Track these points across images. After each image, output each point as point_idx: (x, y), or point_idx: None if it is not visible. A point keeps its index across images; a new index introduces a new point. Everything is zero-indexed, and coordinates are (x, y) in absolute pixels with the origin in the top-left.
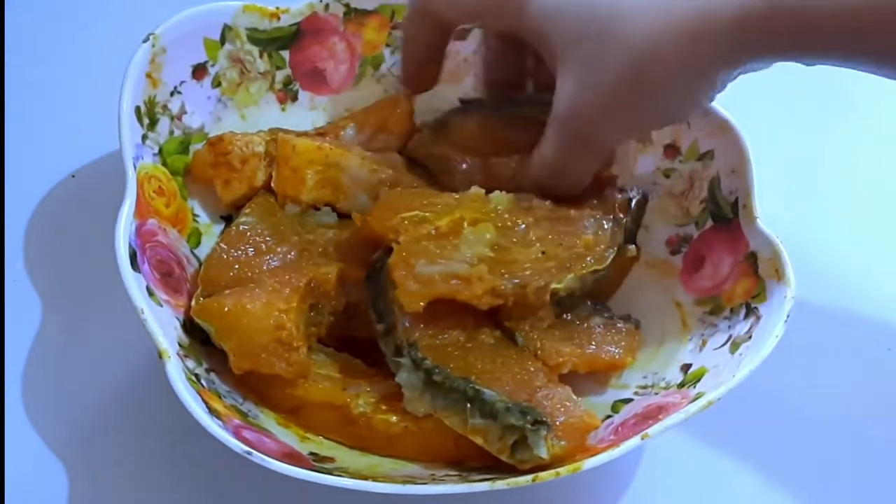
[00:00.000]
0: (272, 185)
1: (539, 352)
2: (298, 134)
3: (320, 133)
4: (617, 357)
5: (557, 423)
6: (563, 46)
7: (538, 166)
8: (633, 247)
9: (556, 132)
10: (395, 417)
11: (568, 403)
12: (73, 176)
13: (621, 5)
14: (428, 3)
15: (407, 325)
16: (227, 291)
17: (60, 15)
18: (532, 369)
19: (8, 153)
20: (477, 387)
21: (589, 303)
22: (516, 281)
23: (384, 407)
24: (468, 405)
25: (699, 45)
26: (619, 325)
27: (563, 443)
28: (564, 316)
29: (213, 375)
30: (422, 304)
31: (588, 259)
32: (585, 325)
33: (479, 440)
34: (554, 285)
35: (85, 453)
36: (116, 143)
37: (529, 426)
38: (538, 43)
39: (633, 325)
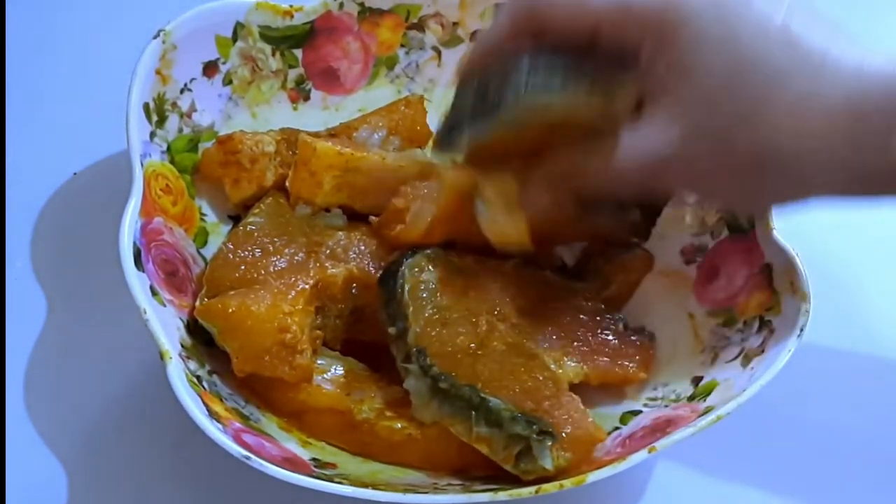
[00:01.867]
0: (287, 184)
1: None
2: (311, 134)
3: (332, 134)
4: (630, 371)
5: (564, 434)
6: (699, 88)
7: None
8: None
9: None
10: (399, 424)
11: (575, 414)
12: (75, 174)
13: (776, 86)
14: (537, 10)
15: (418, 318)
16: (232, 292)
17: (68, 9)
18: (541, 378)
19: (10, 151)
20: (482, 394)
21: (602, 306)
22: None
23: (388, 413)
24: (473, 413)
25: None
26: (633, 337)
27: (568, 455)
28: (581, 318)
29: (215, 377)
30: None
31: None
32: (599, 336)
33: (484, 449)
34: None
35: (86, 454)
36: (122, 141)
37: (535, 436)
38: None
39: (647, 338)
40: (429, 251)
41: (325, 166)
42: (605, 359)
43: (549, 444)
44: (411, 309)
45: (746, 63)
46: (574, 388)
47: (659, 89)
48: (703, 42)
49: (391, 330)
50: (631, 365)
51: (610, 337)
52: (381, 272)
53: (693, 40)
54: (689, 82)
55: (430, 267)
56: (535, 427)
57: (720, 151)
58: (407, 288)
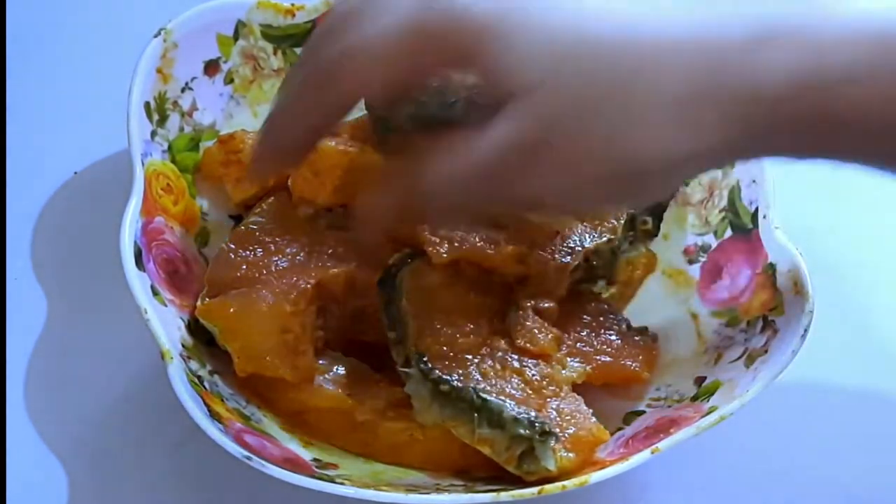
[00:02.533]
0: (289, 184)
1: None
2: None
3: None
4: (633, 371)
5: (566, 435)
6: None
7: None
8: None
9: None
10: (400, 425)
11: (578, 415)
12: (76, 174)
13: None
14: (344, 65)
15: (418, 321)
16: (234, 292)
17: (68, 8)
18: (543, 379)
19: (11, 150)
20: (484, 396)
21: (606, 306)
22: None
23: (390, 414)
24: (475, 415)
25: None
26: (636, 338)
27: (571, 455)
28: (584, 318)
29: (216, 377)
30: (445, 256)
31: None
32: (602, 336)
33: (486, 450)
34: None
35: (87, 454)
36: (122, 140)
37: (538, 437)
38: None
39: (651, 338)
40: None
41: (328, 166)
42: (608, 359)
43: (552, 444)
44: (411, 313)
45: (574, 44)
46: (577, 388)
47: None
48: (515, 41)
49: (391, 335)
50: (634, 365)
51: (613, 337)
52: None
53: (510, 55)
54: (519, 83)
55: (431, 271)
56: (537, 428)
57: (575, 152)
58: (406, 292)
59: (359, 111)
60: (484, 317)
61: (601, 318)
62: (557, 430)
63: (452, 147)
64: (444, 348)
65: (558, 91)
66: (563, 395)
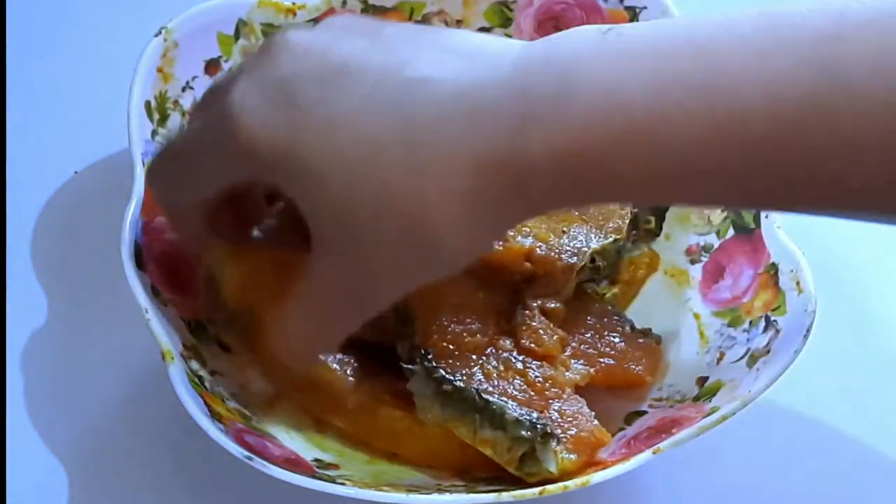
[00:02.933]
0: None
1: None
2: None
3: None
4: (636, 374)
5: (568, 436)
6: (324, 219)
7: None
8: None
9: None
10: (399, 413)
11: (580, 417)
12: (76, 173)
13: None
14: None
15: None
16: None
17: (68, 7)
18: (546, 380)
19: (11, 150)
20: (486, 396)
21: (610, 307)
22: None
23: (389, 399)
24: (477, 415)
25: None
26: (640, 340)
27: (572, 457)
28: (588, 320)
29: (217, 377)
30: None
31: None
32: (606, 338)
33: (488, 451)
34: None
35: (87, 455)
36: (122, 140)
37: (539, 439)
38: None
39: (654, 340)
40: None
41: None
42: (612, 362)
43: (554, 446)
44: (417, 310)
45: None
46: (579, 389)
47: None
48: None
49: (399, 332)
50: (637, 368)
51: (617, 339)
52: None
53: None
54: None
55: None
56: (538, 430)
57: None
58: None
59: None
60: (491, 316)
61: (605, 320)
62: (559, 431)
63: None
64: (450, 347)
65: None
66: (565, 396)
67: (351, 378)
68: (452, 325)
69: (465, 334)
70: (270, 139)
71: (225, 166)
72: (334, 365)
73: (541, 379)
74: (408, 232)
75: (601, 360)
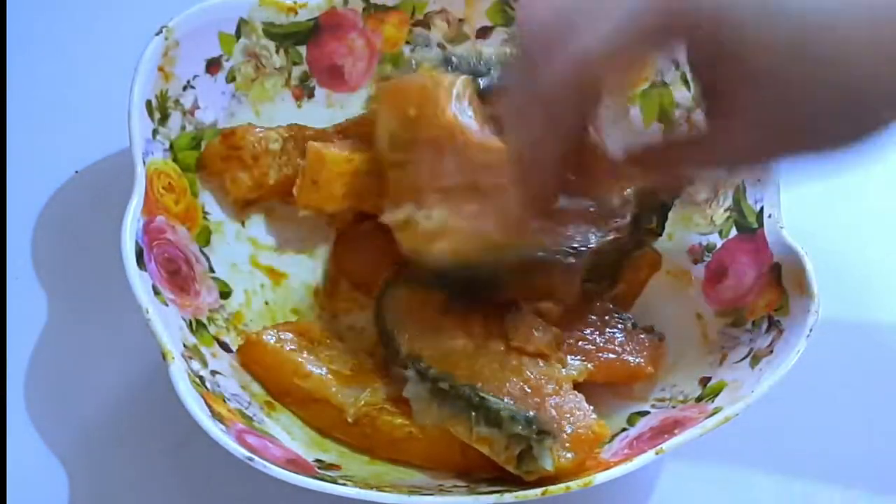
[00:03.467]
0: (294, 192)
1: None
2: (317, 132)
3: (339, 130)
4: (637, 366)
5: (565, 433)
6: (761, 72)
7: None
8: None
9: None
10: (399, 420)
11: (578, 413)
12: (77, 172)
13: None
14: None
15: (407, 333)
16: None
17: (69, 6)
18: (543, 377)
19: (12, 149)
20: (482, 394)
21: (611, 305)
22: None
23: (390, 408)
24: (473, 413)
25: None
26: (641, 336)
27: (569, 455)
28: (589, 318)
29: (218, 378)
30: None
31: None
32: (607, 335)
33: (485, 450)
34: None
35: (88, 455)
36: (123, 139)
37: (535, 436)
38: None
39: (657, 337)
40: (410, 278)
41: (334, 175)
42: (611, 356)
43: (549, 443)
44: (396, 329)
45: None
46: (580, 387)
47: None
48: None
49: (383, 352)
50: (637, 360)
51: (617, 335)
52: None
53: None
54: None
55: (411, 293)
56: (534, 427)
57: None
58: (389, 314)
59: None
60: (475, 322)
61: (606, 318)
62: (556, 429)
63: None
64: (438, 350)
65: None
66: (563, 393)
67: (348, 392)
68: (433, 337)
69: (449, 339)
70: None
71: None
72: (330, 378)
73: (537, 376)
74: (861, 81)
75: (600, 355)
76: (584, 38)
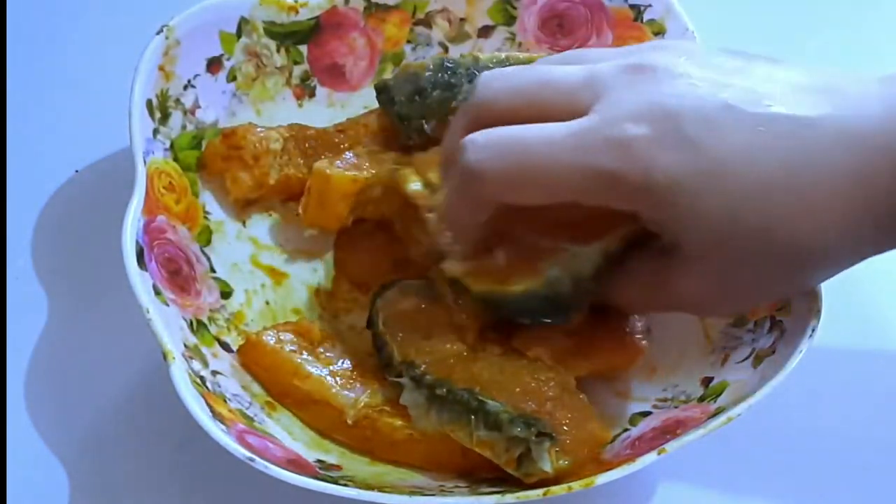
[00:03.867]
0: (299, 210)
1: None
2: (318, 131)
3: (339, 130)
4: (634, 343)
5: (565, 435)
6: (701, 244)
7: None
8: None
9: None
10: (399, 422)
11: (579, 414)
12: (77, 172)
13: (776, 212)
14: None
15: (399, 338)
16: None
17: (70, 5)
18: (543, 378)
19: (11, 148)
20: (481, 397)
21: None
22: None
23: (389, 409)
24: (472, 417)
25: (861, 233)
26: (638, 323)
27: (568, 458)
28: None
29: (218, 378)
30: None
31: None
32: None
33: (486, 453)
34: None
35: (88, 456)
36: (124, 139)
37: (534, 438)
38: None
39: (646, 328)
40: (403, 283)
41: (339, 196)
42: (608, 342)
43: (547, 445)
44: (389, 335)
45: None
46: (582, 388)
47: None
48: (699, 209)
49: (377, 358)
50: (637, 336)
51: (611, 324)
52: None
53: (693, 212)
54: (696, 234)
55: (404, 298)
56: (533, 429)
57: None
58: (382, 320)
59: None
60: (469, 326)
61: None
62: (555, 430)
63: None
64: (432, 355)
65: (726, 254)
66: (565, 394)
67: (348, 393)
68: (427, 343)
69: (444, 345)
70: (663, 173)
71: (598, 194)
72: (330, 380)
73: (537, 378)
74: (790, 247)
75: (595, 343)
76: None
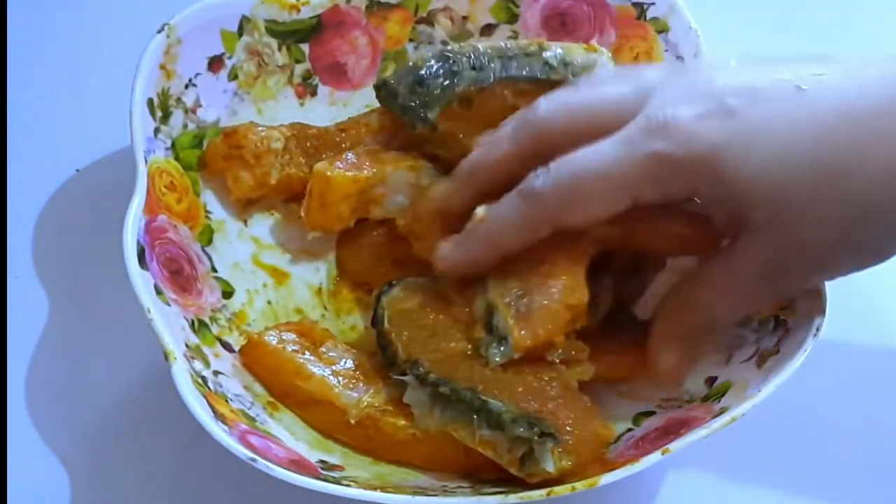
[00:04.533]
0: (301, 213)
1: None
2: (320, 130)
3: (341, 129)
4: (640, 358)
5: (568, 435)
6: (770, 206)
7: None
8: None
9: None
10: (402, 422)
11: (582, 414)
12: (77, 171)
13: (842, 160)
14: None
15: (404, 336)
16: None
17: (70, 3)
18: (546, 378)
19: (12, 147)
20: (483, 397)
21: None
22: None
23: (391, 409)
24: (475, 417)
25: None
26: (643, 330)
27: (571, 458)
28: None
29: (220, 378)
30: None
31: None
32: (608, 332)
33: (489, 453)
34: None
35: (89, 456)
36: (124, 138)
37: (536, 438)
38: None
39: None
40: (407, 281)
41: (341, 197)
42: (614, 346)
43: (550, 445)
44: (394, 333)
45: (802, 160)
46: (586, 388)
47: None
48: (747, 170)
49: (381, 357)
50: (640, 353)
51: (619, 329)
52: None
53: (738, 174)
54: (764, 203)
55: (409, 296)
56: (536, 429)
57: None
58: (387, 318)
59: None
60: (476, 323)
61: (609, 316)
62: (558, 430)
63: (709, 280)
64: (436, 354)
65: (792, 214)
66: (567, 394)
67: (350, 393)
68: (432, 340)
69: (449, 343)
70: (703, 142)
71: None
72: (332, 380)
73: (540, 378)
74: (848, 212)
75: (601, 346)
76: (588, 152)
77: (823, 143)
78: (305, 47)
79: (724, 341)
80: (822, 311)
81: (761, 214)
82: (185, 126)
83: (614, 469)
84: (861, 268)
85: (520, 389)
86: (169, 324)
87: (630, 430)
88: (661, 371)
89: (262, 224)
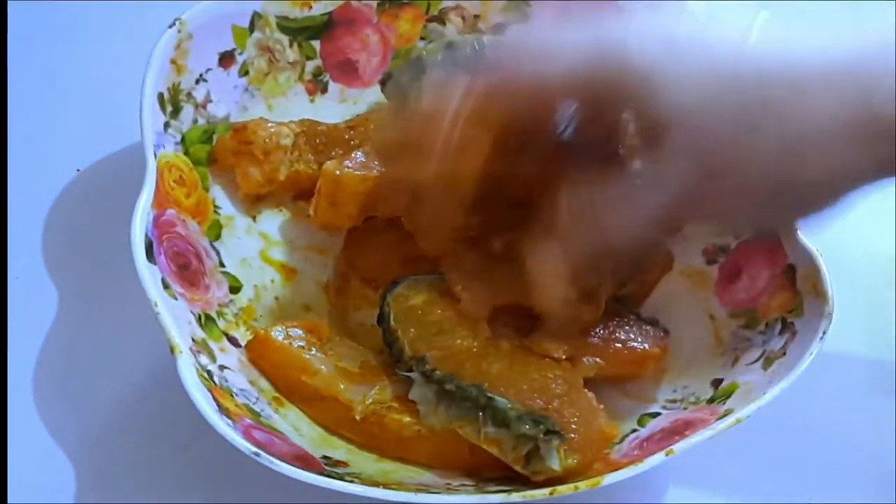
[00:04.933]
0: (310, 212)
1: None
2: (329, 127)
3: (350, 126)
4: (644, 351)
5: (573, 433)
6: (687, 131)
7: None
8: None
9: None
10: (407, 418)
11: (587, 412)
12: (78, 171)
13: (778, 94)
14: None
15: (411, 333)
16: None
17: None
18: (551, 375)
19: (14, 146)
20: (489, 394)
21: (616, 301)
22: None
23: (397, 405)
24: (480, 414)
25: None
26: (646, 327)
27: (576, 456)
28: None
29: (226, 372)
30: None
31: None
32: (611, 327)
33: (494, 450)
34: None
35: (94, 451)
36: (131, 135)
37: (542, 436)
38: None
39: (661, 331)
40: (413, 278)
41: (350, 195)
42: (618, 344)
43: (556, 443)
44: (401, 330)
45: (727, 85)
46: (592, 388)
47: (656, 137)
48: (676, 86)
49: (387, 354)
50: (644, 345)
51: (623, 327)
52: None
53: (666, 90)
54: (683, 127)
55: (415, 293)
56: (541, 427)
57: (739, 178)
58: (393, 315)
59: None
60: (480, 322)
61: (610, 313)
62: (564, 428)
63: (624, 195)
64: (442, 351)
65: (715, 121)
66: (572, 392)
67: (356, 389)
68: (438, 337)
69: (455, 340)
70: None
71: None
72: (338, 376)
73: (546, 375)
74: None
75: (607, 345)
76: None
77: (747, 93)
78: (316, 44)
79: (731, 344)
80: (829, 316)
81: (679, 138)
82: (196, 121)
83: (618, 469)
84: (753, 228)
85: (525, 387)
86: (175, 318)
87: (635, 430)
88: (550, 305)
89: (271, 220)
